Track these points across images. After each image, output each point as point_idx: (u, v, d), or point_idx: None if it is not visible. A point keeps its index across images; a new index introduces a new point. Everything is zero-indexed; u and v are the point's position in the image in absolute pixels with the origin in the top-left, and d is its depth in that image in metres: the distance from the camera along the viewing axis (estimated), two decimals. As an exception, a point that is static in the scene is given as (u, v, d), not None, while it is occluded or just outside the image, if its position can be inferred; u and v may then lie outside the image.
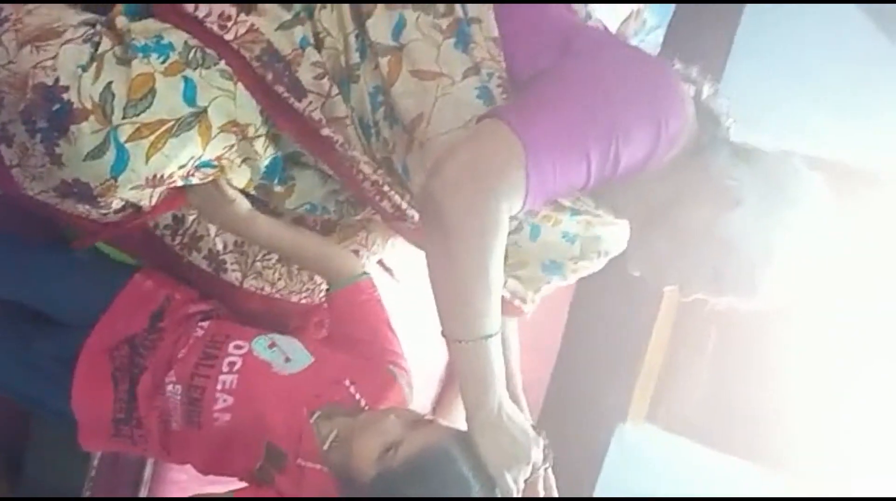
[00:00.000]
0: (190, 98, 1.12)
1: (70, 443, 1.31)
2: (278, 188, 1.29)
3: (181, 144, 1.12)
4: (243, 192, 1.29)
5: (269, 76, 1.17)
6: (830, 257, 1.25)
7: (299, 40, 1.19)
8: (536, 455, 1.16)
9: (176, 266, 1.38)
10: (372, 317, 1.39)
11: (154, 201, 1.20)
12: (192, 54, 1.14)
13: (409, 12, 1.22)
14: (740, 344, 3.08)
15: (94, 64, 1.08)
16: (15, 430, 1.60)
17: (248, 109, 1.18)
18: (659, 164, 1.19)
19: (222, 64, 1.15)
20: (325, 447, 1.18)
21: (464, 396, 1.14)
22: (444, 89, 1.22)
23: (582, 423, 3.12)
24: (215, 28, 1.15)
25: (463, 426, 1.16)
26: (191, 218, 1.34)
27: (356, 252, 1.49)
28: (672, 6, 3.14)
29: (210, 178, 1.21)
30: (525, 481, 1.16)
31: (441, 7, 1.23)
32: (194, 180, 1.20)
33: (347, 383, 1.26)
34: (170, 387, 1.26)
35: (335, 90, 1.22)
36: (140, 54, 1.11)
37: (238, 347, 1.29)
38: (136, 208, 1.22)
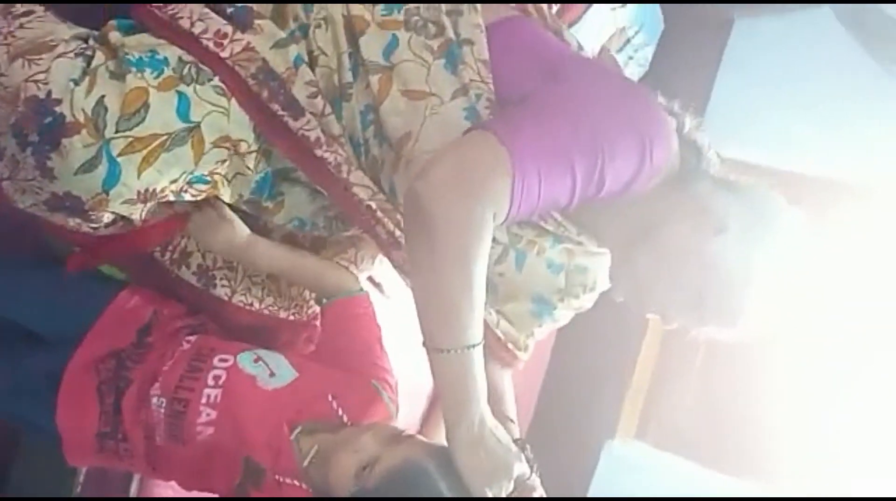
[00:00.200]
0: (183, 113, 1.12)
1: (57, 459, 1.30)
2: (267, 204, 1.29)
3: (174, 158, 1.12)
4: (232, 207, 1.29)
5: (265, 94, 1.17)
6: (811, 286, 1.26)
7: (293, 59, 1.20)
8: (519, 469, 1.14)
9: (165, 281, 1.38)
10: (365, 331, 1.39)
11: (145, 215, 1.19)
12: (186, 70, 1.14)
13: (402, 33, 1.23)
14: (728, 361, 3.09)
15: (87, 78, 1.08)
16: (1, 446, 1.59)
17: (241, 126, 1.18)
18: (642, 189, 1.20)
19: (216, 80, 1.15)
20: (305, 463, 1.18)
21: (444, 409, 1.13)
22: (433, 109, 1.23)
23: (571, 439, 3.12)
24: (211, 45, 1.16)
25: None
26: (179, 236, 1.34)
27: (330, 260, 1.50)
28: (661, 24, 3.17)
29: (203, 194, 1.21)
30: (507, 497, 1.14)
31: (433, 28, 1.24)
32: (187, 197, 1.19)
33: (330, 398, 1.26)
34: (154, 400, 1.25)
35: (328, 109, 1.23)
36: (134, 69, 1.11)
37: (223, 360, 1.28)
38: (128, 222, 1.22)
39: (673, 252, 1.22)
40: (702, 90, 3.23)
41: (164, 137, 1.11)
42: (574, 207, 1.17)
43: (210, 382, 1.25)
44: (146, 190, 1.13)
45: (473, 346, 1.09)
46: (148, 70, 1.11)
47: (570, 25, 2.76)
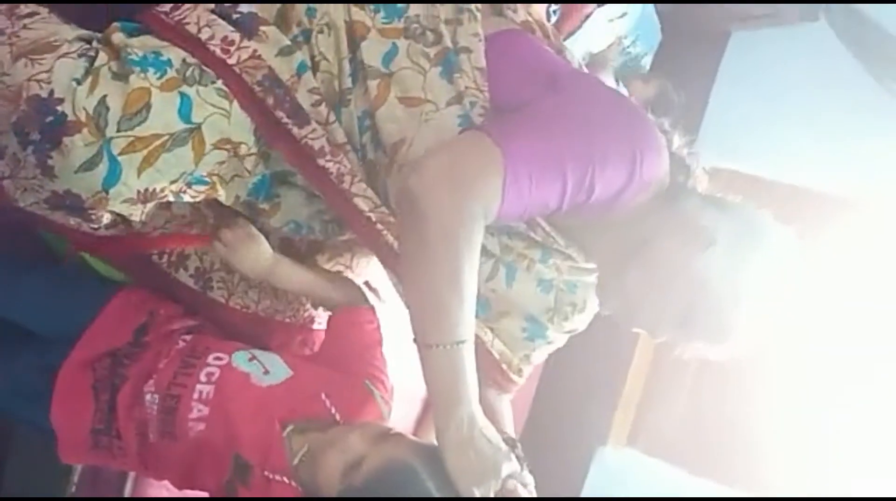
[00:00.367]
0: (185, 114, 1.13)
1: (51, 459, 1.30)
2: (263, 205, 1.30)
3: (174, 159, 1.13)
4: (226, 208, 1.30)
5: (270, 101, 1.18)
6: (799, 302, 1.26)
7: (297, 66, 1.20)
8: (508, 469, 1.14)
9: (162, 283, 1.38)
10: (366, 337, 1.40)
11: (145, 216, 1.20)
12: (189, 71, 1.15)
13: (402, 41, 1.24)
14: (720, 370, 3.09)
15: (90, 77, 1.09)
16: (-5, 445, 1.59)
17: (242, 128, 1.18)
18: (630, 202, 1.20)
19: (220, 83, 1.16)
20: (295, 462, 1.18)
21: (434, 407, 1.12)
22: (428, 115, 1.23)
23: (563, 446, 3.13)
24: (218, 52, 1.16)
25: None
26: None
27: (341, 273, 1.51)
28: (658, 34, 3.19)
29: (201, 196, 1.22)
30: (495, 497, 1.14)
31: (431, 36, 1.25)
32: (185, 197, 1.20)
33: (324, 397, 1.26)
34: (148, 397, 1.26)
35: (332, 117, 1.23)
36: (137, 69, 1.11)
37: (218, 358, 1.29)
38: (127, 223, 1.22)
39: (662, 267, 1.22)
40: (698, 101, 3.25)
41: (166, 138, 1.11)
42: (564, 212, 1.17)
43: (203, 378, 1.26)
44: (146, 190, 1.13)
45: (463, 342, 1.09)
46: (151, 70, 1.12)
47: (569, 35, 2.78)
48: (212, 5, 1.21)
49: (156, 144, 1.11)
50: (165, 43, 1.17)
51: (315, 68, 1.23)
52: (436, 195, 1.07)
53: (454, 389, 1.10)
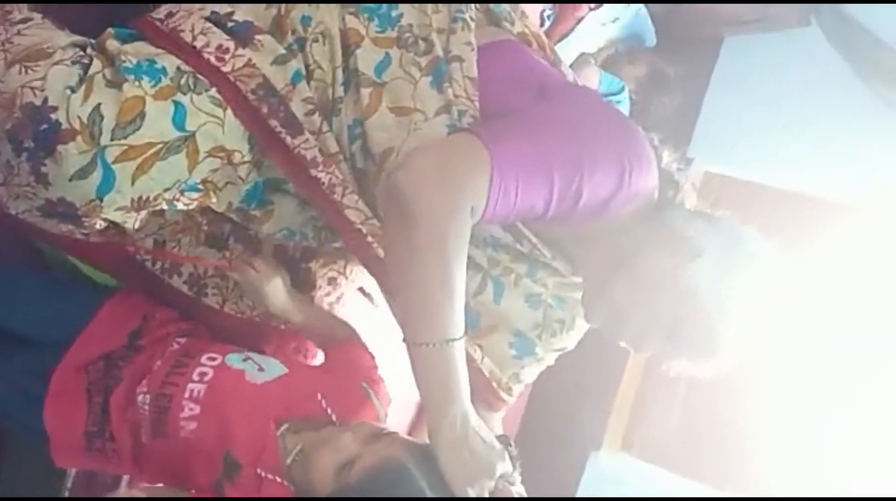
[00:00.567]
0: (179, 123, 1.13)
1: (45, 464, 1.30)
2: (255, 212, 1.30)
3: (168, 167, 1.13)
4: (220, 214, 1.30)
5: (264, 109, 1.18)
6: (785, 317, 1.25)
7: (291, 75, 1.21)
8: (502, 468, 1.13)
9: (157, 289, 1.38)
10: (364, 362, 1.40)
11: (138, 223, 1.20)
12: (183, 80, 1.15)
13: (395, 51, 1.24)
14: (714, 375, 3.10)
15: (84, 85, 1.09)
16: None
17: (235, 136, 1.18)
18: (617, 213, 1.20)
19: (213, 91, 1.16)
20: (289, 461, 1.17)
21: (425, 406, 1.12)
22: (417, 125, 1.23)
23: (557, 450, 3.12)
24: (213, 60, 1.16)
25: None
26: (171, 244, 1.35)
27: (334, 279, 1.51)
28: (652, 39, 3.19)
29: (195, 203, 1.22)
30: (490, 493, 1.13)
31: (422, 45, 1.25)
32: (179, 205, 1.20)
33: (319, 397, 1.26)
34: (140, 397, 1.26)
35: (325, 127, 1.23)
36: (132, 76, 1.11)
37: (211, 358, 1.29)
38: (119, 229, 1.23)
39: (649, 278, 1.21)
40: (691, 106, 3.26)
41: (160, 146, 1.12)
42: (550, 218, 1.17)
43: (195, 377, 1.26)
44: (140, 198, 1.13)
45: (454, 340, 1.08)
46: (145, 78, 1.12)
47: (562, 38, 2.79)
48: (207, 13, 1.21)
49: (150, 153, 1.11)
50: (160, 50, 1.17)
51: (309, 77, 1.23)
52: (424, 192, 1.06)
53: (446, 387, 1.09)
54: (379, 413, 1.33)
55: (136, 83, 1.11)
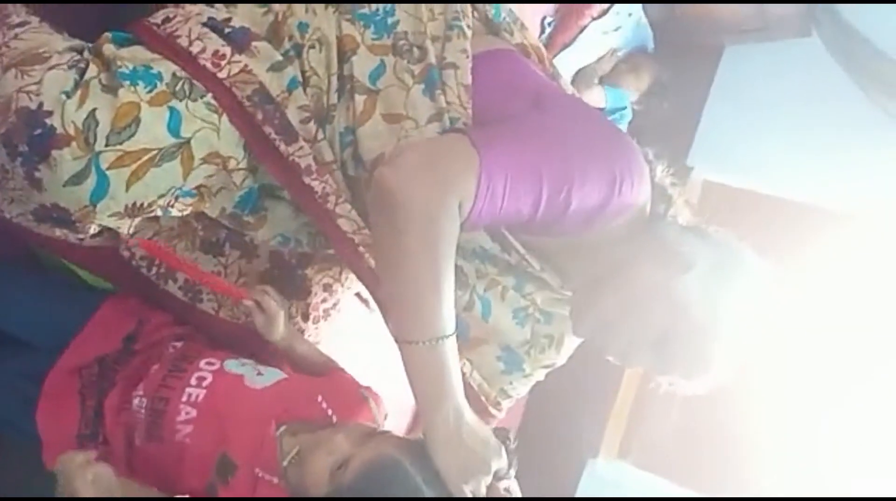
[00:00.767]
0: (174, 129, 1.12)
1: (37, 467, 1.30)
2: (249, 218, 1.30)
3: (163, 173, 1.13)
4: (214, 220, 1.30)
5: (259, 116, 1.17)
6: (775, 332, 1.24)
7: (287, 82, 1.20)
8: (498, 464, 1.13)
9: (152, 294, 1.38)
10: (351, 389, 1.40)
11: (132, 229, 1.20)
12: (179, 86, 1.14)
13: (389, 58, 1.24)
14: (712, 383, 3.10)
15: (79, 90, 1.09)
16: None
17: (230, 143, 1.18)
18: (607, 224, 1.19)
19: (209, 97, 1.16)
20: (285, 463, 1.17)
21: (418, 404, 1.11)
22: (408, 132, 1.23)
23: (554, 458, 3.12)
24: (209, 65, 1.16)
25: None
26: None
27: (330, 286, 1.51)
28: (652, 47, 3.20)
29: (189, 209, 1.21)
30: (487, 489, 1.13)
31: (416, 52, 1.25)
32: (173, 211, 1.20)
33: (319, 399, 1.26)
34: (136, 401, 1.26)
35: (320, 134, 1.23)
36: (127, 82, 1.11)
37: (210, 363, 1.29)
38: (114, 234, 1.22)
39: (639, 290, 1.20)
40: (691, 115, 3.26)
41: (155, 152, 1.11)
42: (538, 224, 1.16)
43: (193, 382, 1.26)
44: (134, 204, 1.13)
45: (445, 337, 1.08)
46: (141, 84, 1.12)
47: (564, 47, 2.79)
48: (204, 18, 1.21)
49: (145, 159, 1.11)
50: (156, 56, 1.16)
51: (305, 84, 1.23)
52: (412, 186, 1.06)
53: (439, 384, 1.09)
54: (377, 418, 1.33)
55: (132, 89, 1.11)
